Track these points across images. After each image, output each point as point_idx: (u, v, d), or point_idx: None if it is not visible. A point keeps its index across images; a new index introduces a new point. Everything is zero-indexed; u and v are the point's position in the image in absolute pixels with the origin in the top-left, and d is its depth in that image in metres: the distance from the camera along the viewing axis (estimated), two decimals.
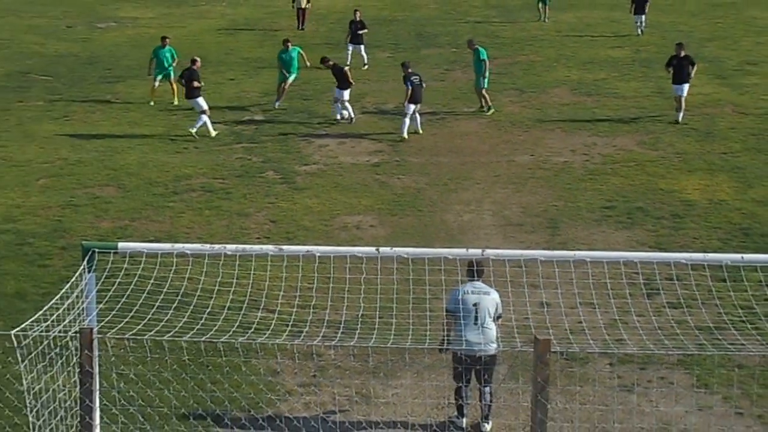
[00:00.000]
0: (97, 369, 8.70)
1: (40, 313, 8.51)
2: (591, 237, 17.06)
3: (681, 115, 24.15)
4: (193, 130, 23.06)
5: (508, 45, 34.22)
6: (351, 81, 24.59)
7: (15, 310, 13.88)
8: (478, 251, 9.49)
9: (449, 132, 23.95)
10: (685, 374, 12.19)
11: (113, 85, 28.95)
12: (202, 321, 10.11)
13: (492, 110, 25.45)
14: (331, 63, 24.83)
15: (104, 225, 17.69)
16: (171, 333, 9.64)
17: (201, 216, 18.21)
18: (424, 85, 23.83)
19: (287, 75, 26.49)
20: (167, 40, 27.45)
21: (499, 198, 19.20)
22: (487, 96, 25.54)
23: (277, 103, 26.13)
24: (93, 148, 22.50)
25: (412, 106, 23.27)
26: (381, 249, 9.60)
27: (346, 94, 24.54)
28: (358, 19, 31.44)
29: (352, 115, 24.66)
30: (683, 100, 24.18)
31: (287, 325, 11.22)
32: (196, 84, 23.36)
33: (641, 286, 13.50)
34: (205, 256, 10.08)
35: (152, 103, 26.50)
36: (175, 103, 26.45)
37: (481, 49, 25.57)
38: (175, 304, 10.95)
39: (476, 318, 10.64)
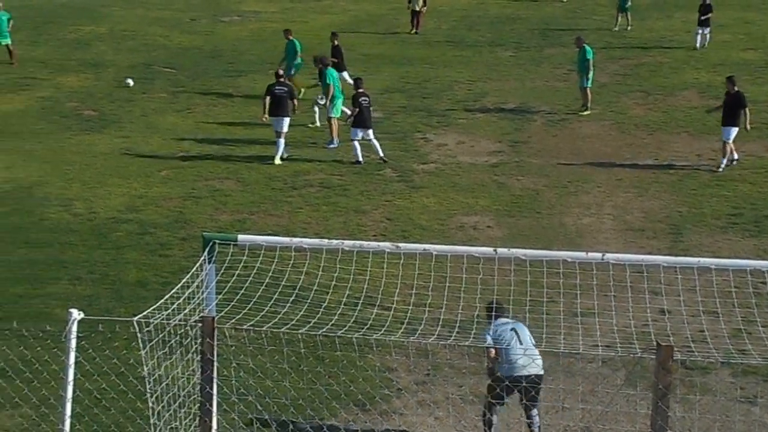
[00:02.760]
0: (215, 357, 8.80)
1: (162, 301, 8.65)
2: (716, 244, 16.52)
3: (724, 162, 20.51)
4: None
5: (634, 45, 33.41)
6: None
7: (136, 297, 14.24)
8: (598, 255, 9.25)
9: (570, 134, 23.55)
10: None
11: (235, 78, 29.38)
12: (319, 315, 10.14)
13: (588, 111, 24.98)
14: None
15: (223, 217, 17.97)
16: (288, 325, 9.70)
17: (318, 212, 18.34)
18: (372, 108, 21.84)
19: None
20: (290, 33, 27.42)
21: (620, 202, 18.78)
22: (590, 95, 25.12)
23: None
24: (214, 141, 22.91)
25: (360, 132, 21.07)
26: (499, 250, 9.45)
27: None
28: (336, 44, 26.99)
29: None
30: (727, 147, 20.52)
31: (402, 323, 11.18)
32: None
33: None
34: (323, 251, 10.08)
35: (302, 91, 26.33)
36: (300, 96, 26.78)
37: (587, 47, 25.23)
38: (292, 298, 11.02)
39: (519, 340, 10.55)
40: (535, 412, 10.68)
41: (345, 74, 26.50)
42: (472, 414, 11.14)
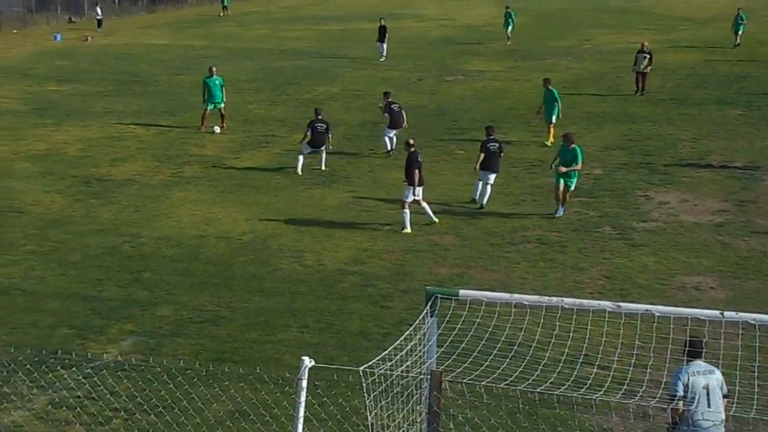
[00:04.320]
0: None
1: (386, 352, 8.99)
2: None
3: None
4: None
5: None
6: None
7: (358, 347, 14.75)
8: None
9: None
10: None
11: (457, 136, 29.94)
12: (537, 372, 10.21)
13: None
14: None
15: (442, 271, 18.33)
16: (507, 381, 9.83)
17: (535, 268, 18.40)
18: (331, 131, 25.97)
19: None
20: (549, 83, 28.62)
21: None
22: None
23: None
24: (435, 197, 23.35)
25: (306, 152, 25.92)
26: (726, 313, 9.25)
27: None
28: (389, 101, 28.43)
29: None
30: None
31: (621, 383, 11.08)
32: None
33: None
34: (542, 308, 10.18)
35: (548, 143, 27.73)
36: (548, 143, 27.59)
37: None
38: (511, 354, 11.15)
39: (709, 402, 10.02)
40: None
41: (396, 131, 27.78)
42: None
